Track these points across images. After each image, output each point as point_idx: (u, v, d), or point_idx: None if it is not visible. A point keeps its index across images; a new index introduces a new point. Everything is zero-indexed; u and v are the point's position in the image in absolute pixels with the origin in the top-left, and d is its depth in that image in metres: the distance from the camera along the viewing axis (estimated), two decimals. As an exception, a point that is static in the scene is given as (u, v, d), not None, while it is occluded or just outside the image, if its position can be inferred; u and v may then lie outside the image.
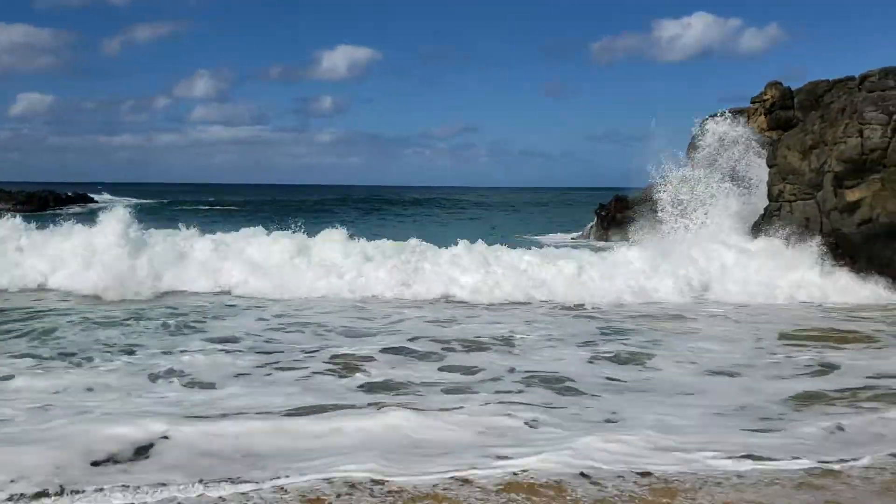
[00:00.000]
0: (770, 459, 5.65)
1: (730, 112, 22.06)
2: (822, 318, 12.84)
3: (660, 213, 22.23)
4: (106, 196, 65.98)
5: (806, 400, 7.59)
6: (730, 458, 5.67)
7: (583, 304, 13.90)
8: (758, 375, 8.70)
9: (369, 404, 7.09)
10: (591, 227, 30.91)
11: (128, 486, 5.05)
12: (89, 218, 16.57)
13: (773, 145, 18.81)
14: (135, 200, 61.91)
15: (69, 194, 56.32)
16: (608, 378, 8.54)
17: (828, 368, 9.03)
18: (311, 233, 17.22)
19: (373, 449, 5.77)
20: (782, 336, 11.24)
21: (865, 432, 6.40)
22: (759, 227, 18.30)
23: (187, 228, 17.23)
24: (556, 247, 20.88)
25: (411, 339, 10.54)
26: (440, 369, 8.95)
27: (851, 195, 15.17)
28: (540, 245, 21.68)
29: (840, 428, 6.51)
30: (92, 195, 62.20)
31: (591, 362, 9.40)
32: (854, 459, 5.69)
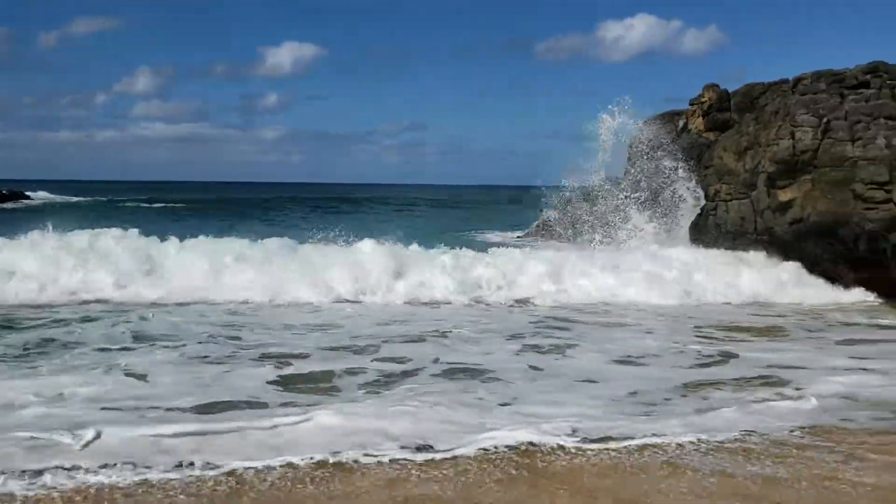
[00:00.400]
0: (631, 438, 6.19)
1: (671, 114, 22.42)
2: (749, 315, 13.38)
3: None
4: (42, 194, 64.22)
5: (696, 387, 8.10)
6: (595, 435, 6.24)
7: (529, 301, 14.22)
8: (662, 364, 9.27)
9: (284, 403, 7.25)
10: (538, 224, 31.25)
11: (29, 471, 5.25)
12: (23, 217, 16.04)
13: (710, 146, 19.32)
14: (74, 199, 60.38)
15: (3, 192, 54.74)
16: (525, 367, 9.01)
17: (727, 358, 9.64)
18: (262, 233, 16.86)
19: (281, 437, 6.11)
20: (698, 329, 11.82)
21: (738, 414, 6.94)
22: (697, 227, 18.79)
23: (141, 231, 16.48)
24: (513, 245, 20.91)
25: (354, 337, 10.70)
26: (374, 360, 9.26)
27: (784, 195, 15.68)
28: (489, 243, 21.78)
29: (714, 410, 7.05)
30: (28, 193, 60.50)
31: (516, 353, 9.86)
32: (712, 435, 6.27)
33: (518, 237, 31.08)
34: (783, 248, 15.94)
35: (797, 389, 7.89)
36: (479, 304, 14.05)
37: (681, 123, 21.85)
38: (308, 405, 7.05)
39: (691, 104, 21.42)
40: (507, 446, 5.91)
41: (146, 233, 16.66)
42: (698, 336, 11.30)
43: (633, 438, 6.16)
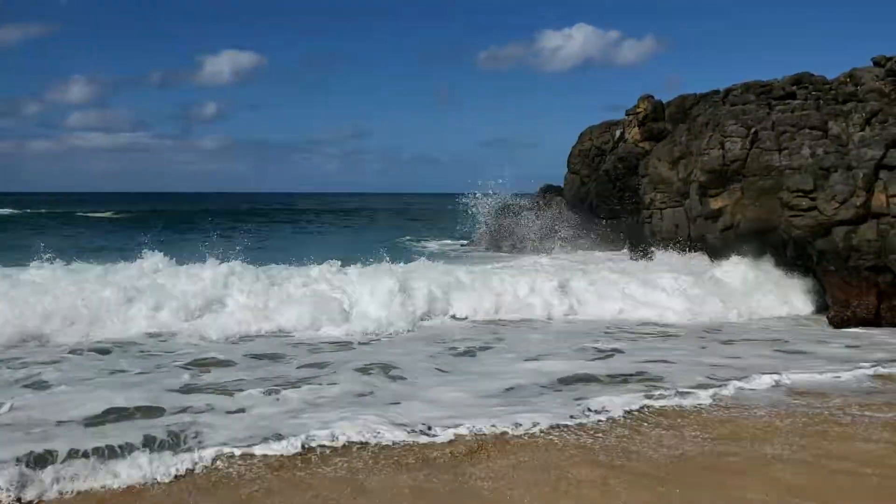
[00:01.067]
0: (477, 427, 7.00)
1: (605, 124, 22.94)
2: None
3: None
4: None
5: (573, 381, 8.93)
6: (449, 425, 7.04)
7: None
8: (556, 361, 10.03)
9: (181, 409, 7.54)
10: (481, 234, 31.49)
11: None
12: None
13: (645, 156, 19.80)
14: (6, 211, 58.30)
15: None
16: (434, 368, 9.65)
17: (615, 354, 10.59)
18: (189, 247, 16.22)
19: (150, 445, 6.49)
20: (607, 331, 12.57)
21: (594, 405, 7.82)
22: (634, 234, 19.24)
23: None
24: (455, 255, 20.87)
25: (291, 345, 11.07)
26: (298, 367, 9.66)
27: (715, 203, 16.17)
28: (433, 254, 21.80)
29: (578, 401, 7.94)
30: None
31: (432, 356, 10.37)
32: (554, 418, 7.32)
33: (462, 245, 31.33)
34: (715, 254, 16.41)
35: (646, 381, 8.89)
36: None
37: (618, 133, 22.37)
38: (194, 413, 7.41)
39: (627, 114, 21.94)
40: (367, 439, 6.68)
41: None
42: (606, 333, 12.21)
43: (480, 427, 6.98)
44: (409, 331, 12.35)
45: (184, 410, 7.49)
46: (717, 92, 19.34)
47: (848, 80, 16.86)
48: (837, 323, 13.49)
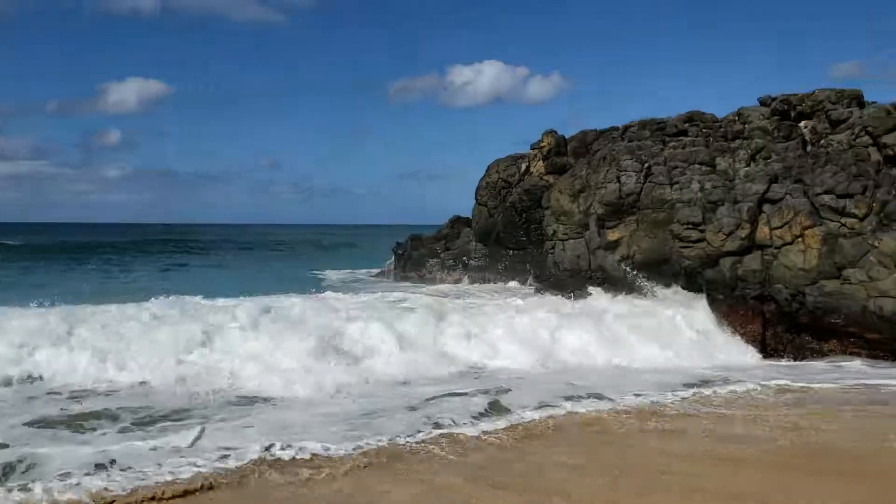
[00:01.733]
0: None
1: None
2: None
3: None
4: None
5: (439, 398, 9.73)
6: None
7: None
8: (464, 382, 10.89)
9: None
10: (391, 264, 31.52)
11: None
12: None
13: (549, 188, 20.29)
14: None
15: None
16: (339, 392, 10.24)
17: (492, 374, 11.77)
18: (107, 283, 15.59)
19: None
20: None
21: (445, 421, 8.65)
22: (538, 265, 19.62)
23: None
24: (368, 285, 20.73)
25: None
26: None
27: (612, 235, 16.71)
28: (344, 282, 21.65)
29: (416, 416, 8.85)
30: None
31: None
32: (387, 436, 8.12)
33: (373, 276, 31.28)
34: (614, 283, 16.90)
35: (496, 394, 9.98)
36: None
37: (523, 166, 22.88)
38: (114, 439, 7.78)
39: (532, 148, 22.48)
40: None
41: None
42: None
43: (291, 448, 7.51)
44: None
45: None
46: (616, 128, 20.06)
47: (736, 118, 17.77)
48: (726, 350, 14.07)
